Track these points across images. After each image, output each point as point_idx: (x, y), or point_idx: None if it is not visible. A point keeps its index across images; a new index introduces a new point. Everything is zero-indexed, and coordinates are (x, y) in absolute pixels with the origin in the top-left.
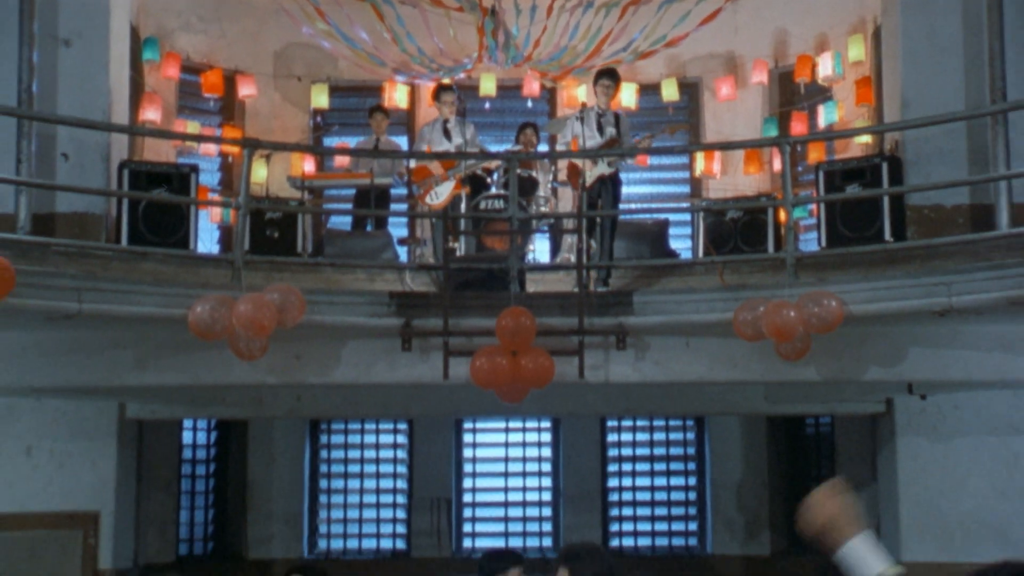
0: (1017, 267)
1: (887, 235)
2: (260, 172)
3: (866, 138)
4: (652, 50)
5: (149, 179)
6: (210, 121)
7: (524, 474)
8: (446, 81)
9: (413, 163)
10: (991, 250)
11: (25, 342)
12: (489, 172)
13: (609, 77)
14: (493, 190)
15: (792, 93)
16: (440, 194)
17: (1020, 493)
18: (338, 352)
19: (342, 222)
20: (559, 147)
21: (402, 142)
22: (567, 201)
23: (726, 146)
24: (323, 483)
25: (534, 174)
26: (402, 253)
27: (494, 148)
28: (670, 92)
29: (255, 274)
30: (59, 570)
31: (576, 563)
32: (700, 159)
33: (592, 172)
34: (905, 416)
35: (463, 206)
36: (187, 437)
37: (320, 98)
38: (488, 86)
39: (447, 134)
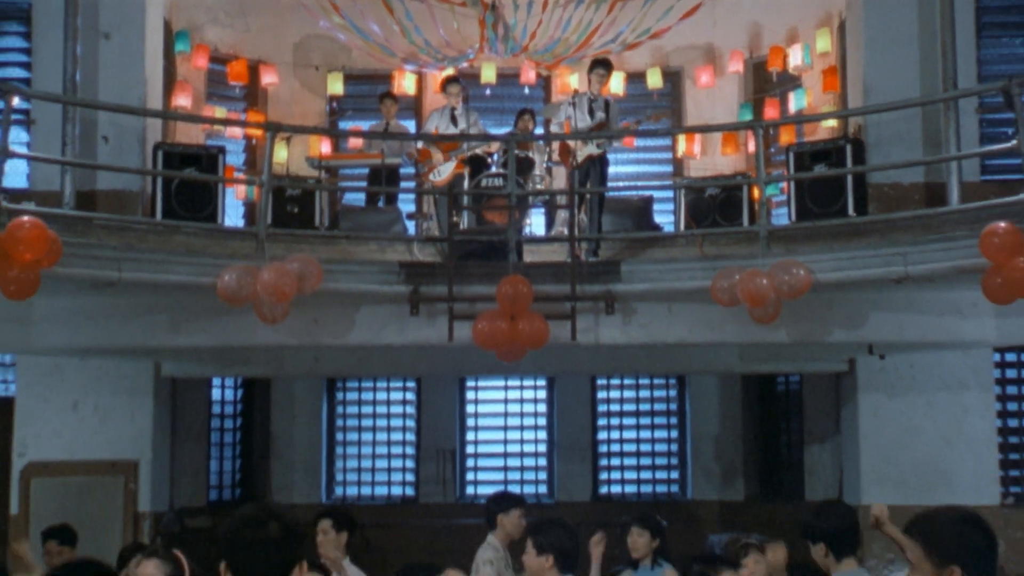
0: (966, 239)
1: (850, 210)
2: (281, 153)
3: (832, 122)
4: (638, 42)
5: (181, 159)
6: (235, 107)
7: (521, 428)
8: (453, 74)
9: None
10: (943, 224)
11: (71, 308)
12: (489, 153)
13: (603, 67)
14: (493, 169)
15: (765, 81)
16: (442, 172)
17: (967, 443)
18: (352, 316)
19: (356, 199)
20: (552, 129)
21: (410, 125)
22: (560, 179)
23: (705, 129)
24: (339, 435)
25: (530, 155)
26: (410, 227)
27: (494, 131)
28: (654, 80)
29: (277, 246)
30: (104, 512)
31: (537, 535)
32: (682, 141)
33: (582, 152)
34: (866, 374)
35: (465, 184)
36: (216, 394)
37: (335, 85)
38: (488, 74)
39: (454, 120)
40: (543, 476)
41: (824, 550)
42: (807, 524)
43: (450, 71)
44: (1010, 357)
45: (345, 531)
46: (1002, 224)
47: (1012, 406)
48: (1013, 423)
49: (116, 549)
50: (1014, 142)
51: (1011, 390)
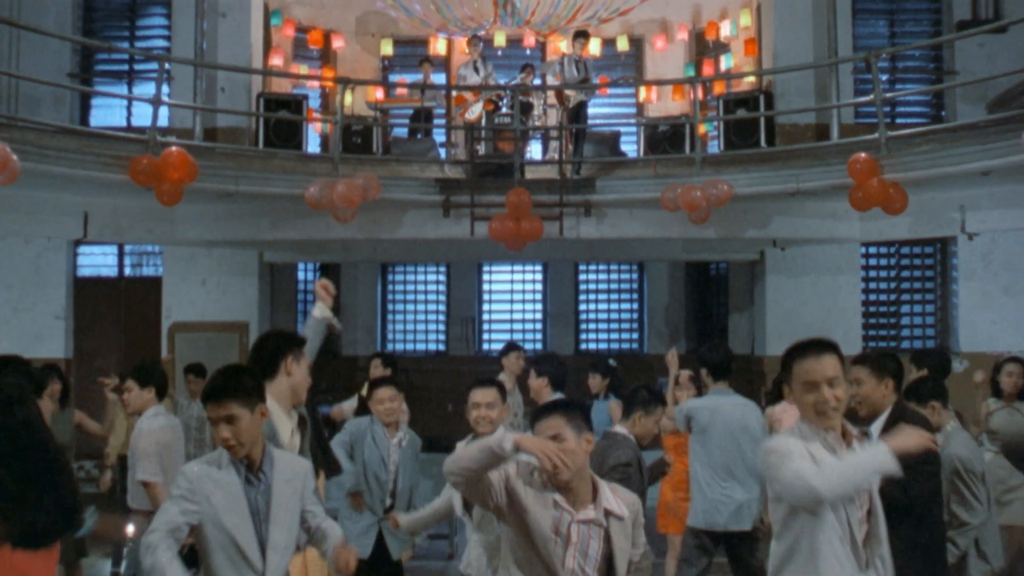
0: (839, 164)
1: (762, 143)
2: (347, 98)
3: (751, 78)
4: (610, 17)
5: (276, 104)
6: (313, 64)
7: (523, 300)
8: (470, 36)
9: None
10: (825, 154)
11: (202, 212)
12: (500, 98)
13: (584, 36)
14: (503, 110)
15: (704, 47)
16: (474, 111)
17: (841, 311)
18: (400, 218)
19: (401, 132)
20: (548, 80)
21: (440, 78)
22: (552, 118)
23: (659, 82)
24: (390, 306)
25: (531, 100)
26: (442, 152)
27: (503, 81)
28: (622, 44)
29: (346, 166)
30: (225, 357)
31: (539, 365)
32: (642, 91)
33: (573, 100)
34: (771, 262)
35: (483, 120)
36: (300, 275)
37: (387, 48)
38: (500, 40)
39: (476, 70)
40: (539, 336)
41: (707, 372)
42: (700, 356)
43: (470, 36)
44: (872, 250)
45: (390, 367)
46: (863, 154)
47: (872, 285)
48: (873, 297)
49: None
50: (872, 96)
51: (872, 274)
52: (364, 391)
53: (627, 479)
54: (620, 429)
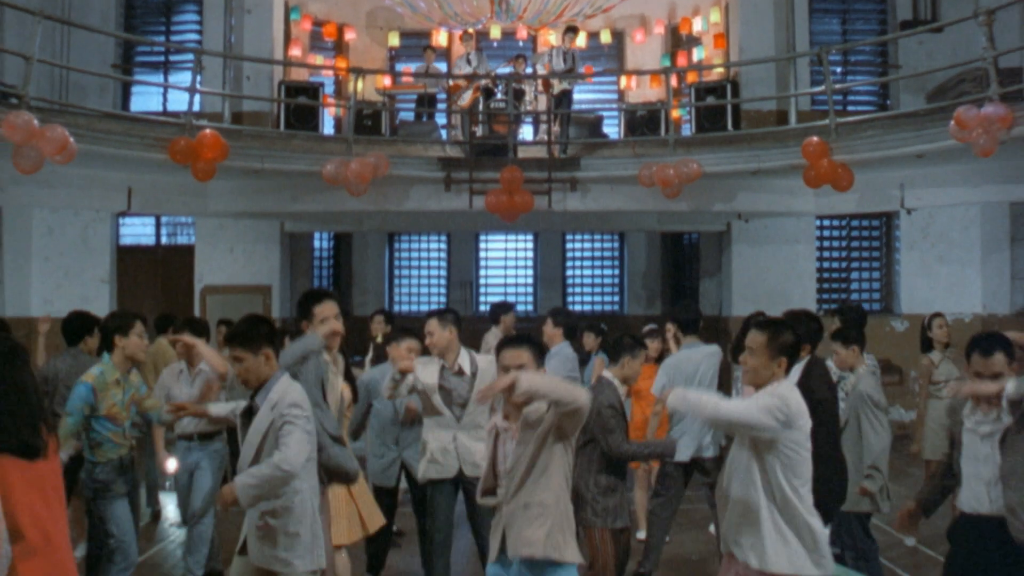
0: (795, 147)
1: (729, 127)
2: (359, 85)
3: (720, 69)
4: (594, 13)
5: (296, 90)
6: (328, 55)
7: (516, 266)
8: (470, 31)
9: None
10: (784, 137)
11: (231, 186)
12: (496, 85)
13: (572, 31)
14: (499, 95)
15: (679, 40)
16: (465, 98)
17: (798, 276)
18: (407, 192)
19: (407, 115)
20: (539, 70)
21: (441, 66)
22: (543, 103)
23: (638, 72)
24: (396, 271)
25: (523, 87)
26: (443, 134)
27: (500, 72)
28: (606, 37)
29: (357, 146)
30: None
31: (556, 316)
32: (623, 79)
33: (557, 87)
34: (737, 232)
35: (480, 106)
36: (316, 243)
37: (393, 39)
38: (495, 33)
39: (469, 62)
40: (530, 299)
41: (678, 328)
42: (672, 315)
43: (465, 31)
44: (826, 223)
45: (390, 324)
46: (815, 138)
47: (826, 254)
48: (826, 264)
49: None
50: (823, 87)
51: (826, 244)
52: (379, 339)
53: (614, 417)
54: (608, 375)
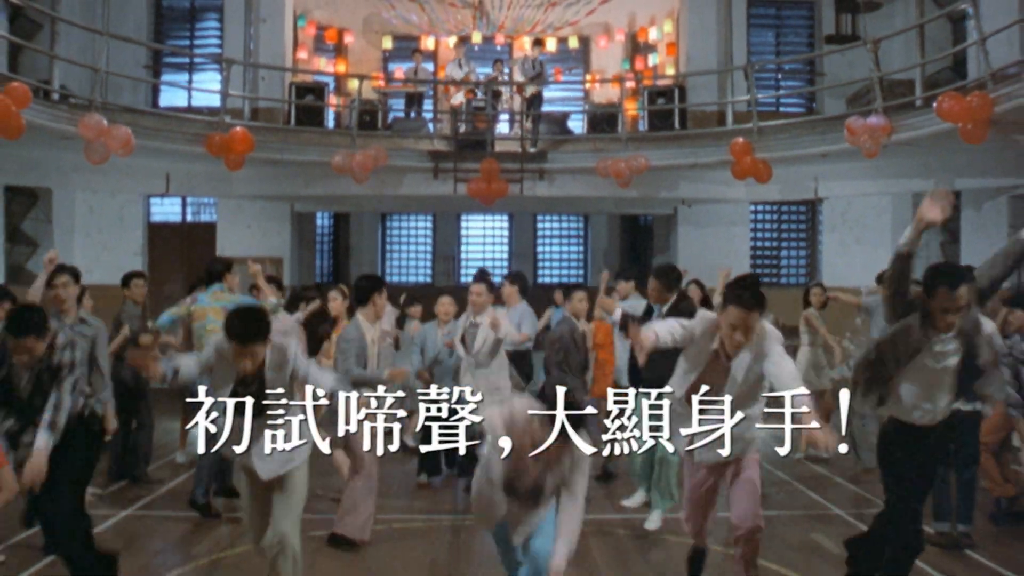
0: (728, 144)
1: (676, 126)
2: (358, 85)
3: (671, 72)
4: (562, 26)
5: (304, 90)
6: (330, 56)
7: (493, 243)
8: (462, 38)
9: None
10: (720, 136)
11: (252, 173)
12: (478, 86)
13: (539, 44)
14: (479, 96)
15: (637, 47)
16: (457, 98)
17: (735, 255)
18: (400, 179)
19: (399, 112)
20: (515, 72)
21: (429, 66)
22: (518, 103)
23: (603, 79)
24: (389, 247)
25: (501, 88)
26: (431, 128)
27: (479, 69)
28: (573, 43)
29: (359, 140)
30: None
31: (513, 278)
32: (588, 81)
33: (529, 89)
34: (682, 216)
35: (464, 105)
36: (319, 222)
37: (387, 43)
38: (477, 38)
39: (460, 66)
40: (505, 271)
41: (635, 285)
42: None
43: (455, 38)
44: (759, 208)
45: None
46: (740, 139)
47: (759, 235)
48: (760, 244)
49: None
50: (748, 96)
51: (759, 226)
52: (402, 300)
53: (567, 333)
54: (565, 312)
